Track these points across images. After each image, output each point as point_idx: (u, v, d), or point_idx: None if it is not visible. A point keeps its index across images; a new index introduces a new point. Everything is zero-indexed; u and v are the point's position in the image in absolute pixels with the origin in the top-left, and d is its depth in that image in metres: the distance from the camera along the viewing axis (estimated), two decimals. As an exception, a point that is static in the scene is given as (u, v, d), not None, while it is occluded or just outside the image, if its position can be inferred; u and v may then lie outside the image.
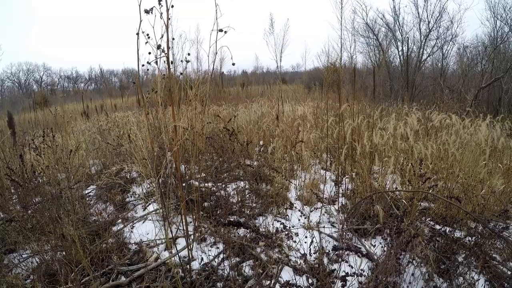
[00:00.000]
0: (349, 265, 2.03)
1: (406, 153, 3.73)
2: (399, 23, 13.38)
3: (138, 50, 2.07)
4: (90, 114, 8.71)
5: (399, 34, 13.50)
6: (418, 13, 12.67)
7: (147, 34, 2.19)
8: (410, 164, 3.15)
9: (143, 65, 2.21)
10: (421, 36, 12.78)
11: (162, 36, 2.10)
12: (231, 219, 1.43)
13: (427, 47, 12.87)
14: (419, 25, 12.78)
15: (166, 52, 2.01)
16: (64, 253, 2.47)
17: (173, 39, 2.23)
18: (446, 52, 12.54)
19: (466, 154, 3.57)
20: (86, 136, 5.43)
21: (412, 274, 2.17)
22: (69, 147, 4.50)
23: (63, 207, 2.91)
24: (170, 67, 2.08)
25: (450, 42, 12.34)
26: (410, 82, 10.69)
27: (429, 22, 12.51)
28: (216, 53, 2.46)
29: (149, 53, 2.43)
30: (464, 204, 2.81)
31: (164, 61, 2.23)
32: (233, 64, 2.59)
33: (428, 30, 12.57)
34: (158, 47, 2.04)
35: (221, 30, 2.31)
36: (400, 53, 13.52)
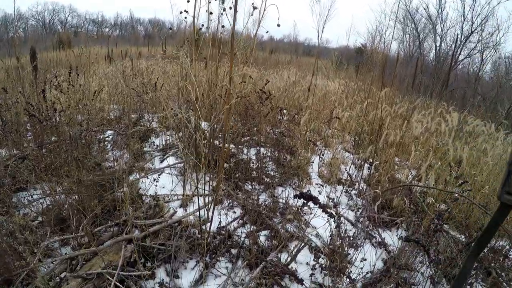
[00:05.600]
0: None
1: (435, 151, 3.57)
2: (441, 18, 12.83)
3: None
4: (114, 59, 8.54)
5: (439, 28, 12.96)
6: (464, 12, 12.11)
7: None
8: (442, 163, 3.04)
9: (186, 11, 2.08)
10: (462, 35, 12.25)
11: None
12: (303, 192, 1.30)
13: (466, 48, 12.38)
14: (462, 24, 12.25)
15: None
16: (76, 197, 2.38)
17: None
18: (486, 58, 12.05)
19: (495, 167, 3.39)
20: (109, 79, 5.30)
21: (422, 273, 2.15)
22: (91, 88, 4.38)
23: (79, 149, 2.80)
24: (235, 22, 1.90)
25: (492, 49, 11.82)
26: (445, 80, 10.35)
27: (473, 23, 11.95)
28: (265, 10, 2.28)
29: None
30: (483, 217, 2.80)
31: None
32: (278, 26, 2.42)
33: (470, 31, 12.02)
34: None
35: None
36: (437, 48, 13.02)
